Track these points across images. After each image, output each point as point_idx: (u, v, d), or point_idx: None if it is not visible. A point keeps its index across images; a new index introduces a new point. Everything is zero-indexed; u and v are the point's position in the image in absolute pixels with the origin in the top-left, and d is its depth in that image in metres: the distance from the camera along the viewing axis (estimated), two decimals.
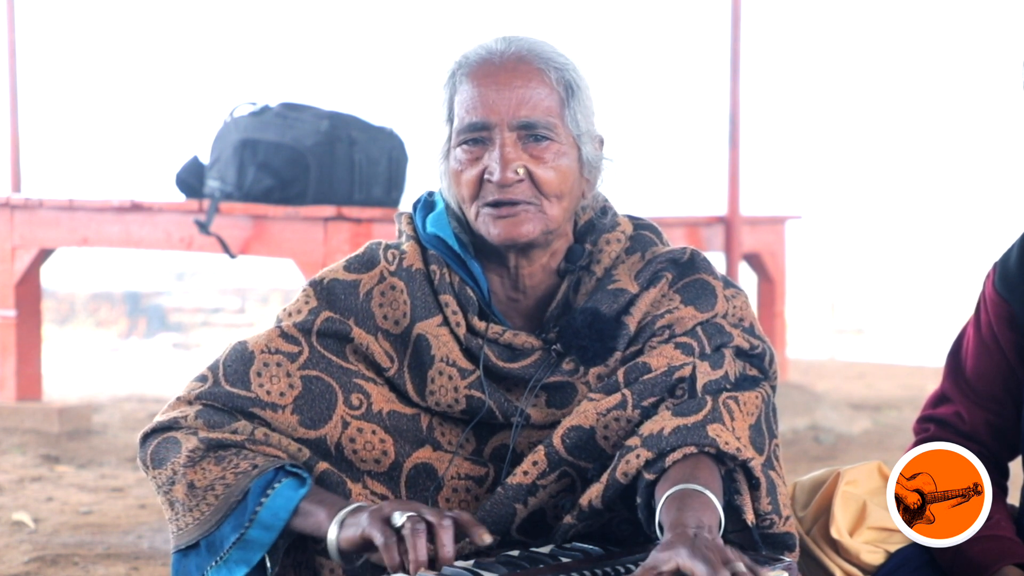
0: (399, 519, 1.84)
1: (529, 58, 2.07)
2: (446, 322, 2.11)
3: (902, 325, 12.62)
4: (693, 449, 1.96)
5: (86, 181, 12.29)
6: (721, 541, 1.77)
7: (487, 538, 1.83)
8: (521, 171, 2.04)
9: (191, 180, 5.21)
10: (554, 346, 2.10)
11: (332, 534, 1.91)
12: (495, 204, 2.05)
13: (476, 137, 2.06)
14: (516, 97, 2.04)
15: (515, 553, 1.94)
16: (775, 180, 13.75)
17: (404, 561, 1.82)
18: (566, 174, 2.07)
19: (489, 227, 2.07)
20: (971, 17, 14.69)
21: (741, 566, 1.70)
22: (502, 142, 2.04)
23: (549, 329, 2.12)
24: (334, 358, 2.12)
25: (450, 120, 2.09)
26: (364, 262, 2.17)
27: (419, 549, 1.80)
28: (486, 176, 2.05)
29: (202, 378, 2.13)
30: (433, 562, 1.83)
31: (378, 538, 1.83)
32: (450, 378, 2.09)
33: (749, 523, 1.99)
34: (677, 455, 1.95)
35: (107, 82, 13.93)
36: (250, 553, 1.99)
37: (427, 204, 2.19)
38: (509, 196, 2.04)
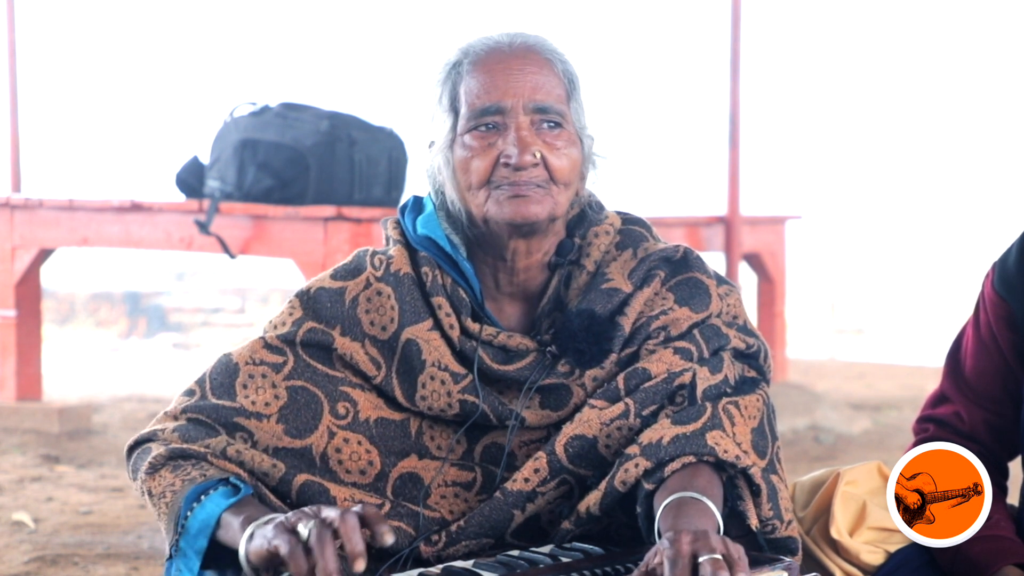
0: (304, 529, 1.73)
1: (537, 48, 2.07)
2: (437, 326, 2.10)
3: (902, 325, 12.62)
4: (692, 458, 1.96)
5: (86, 181, 12.29)
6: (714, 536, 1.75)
7: (388, 539, 1.74)
8: (538, 154, 2.03)
9: (191, 180, 5.21)
10: (549, 348, 2.09)
11: (242, 548, 1.82)
12: (510, 185, 2.03)
13: (490, 122, 2.04)
14: (530, 82, 2.04)
15: (515, 553, 1.94)
16: (775, 180, 13.75)
17: (319, 570, 1.71)
18: (575, 163, 2.07)
19: (502, 207, 2.04)
20: (971, 16, 14.68)
21: (716, 556, 1.67)
22: (518, 125, 2.03)
23: (541, 326, 2.12)
24: (320, 367, 2.11)
25: (453, 110, 2.07)
26: (350, 270, 2.16)
27: (327, 557, 1.71)
28: (503, 160, 2.03)
29: (189, 392, 2.12)
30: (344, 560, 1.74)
31: (283, 548, 1.73)
32: (442, 383, 2.08)
33: (753, 528, 1.99)
34: (676, 464, 1.95)
35: (107, 82, 13.93)
36: (190, 561, 1.93)
37: (416, 207, 2.18)
38: (523, 179, 2.03)
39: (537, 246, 2.11)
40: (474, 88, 2.05)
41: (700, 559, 1.67)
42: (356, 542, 1.72)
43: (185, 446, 2.03)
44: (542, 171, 2.04)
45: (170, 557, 2.01)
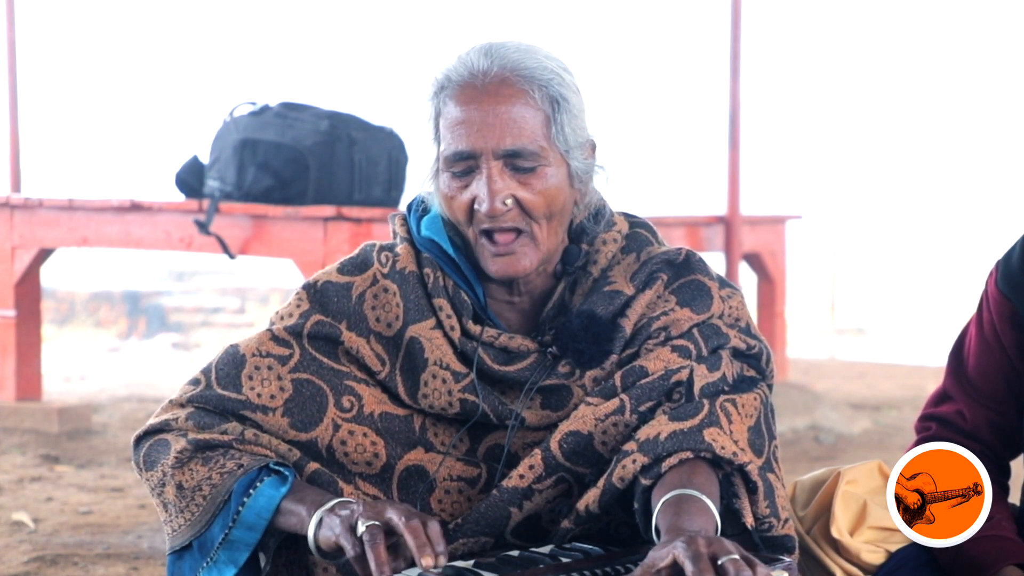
0: (361, 528, 1.84)
1: (512, 79, 2.04)
2: (439, 325, 2.11)
3: (902, 325, 12.62)
4: (689, 454, 1.96)
5: (86, 181, 12.30)
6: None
7: (428, 561, 1.81)
8: (509, 201, 2.04)
9: (191, 180, 5.21)
10: (550, 349, 2.09)
11: (310, 534, 1.91)
12: (489, 234, 2.06)
13: (463, 168, 2.05)
14: (500, 124, 2.02)
15: (515, 553, 1.94)
16: (775, 180, 13.75)
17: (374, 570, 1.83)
18: (555, 195, 2.07)
19: (487, 263, 2.07)
20: (971, 16, 14.69)
21: (735, 556, 1.69)
22: (489, 173, 2.03)
23: (545, 331, 2.12)
24: (326, 360, 2.11)
25: (437, 140, 2.08)
26: (357, 264, 2.17)
27: (379, 558, 1.81)
28: (475, 205, 2.05)
29: (195, 381, 2.12)
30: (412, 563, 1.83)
31: (348, 550, 1.85)
32: (444, 381, 2.08)
33: (748, 526, 1.99)
34: (673, 460, 1.95)
35: (107, 82, 13.93)
36: (236, 553, 1.98)
37: (421, 206, 2.19)
38: (499, 224, 2.05)
39: (534, 277, 2.12)
40: (449, 126, 2.05)
41: (720, 560, 1.68)
42: (420, 538, 1.81)
43: (207, 436, 2.04)
44: (518, 212, 2.05)
45: (180, 549, 2.02)
